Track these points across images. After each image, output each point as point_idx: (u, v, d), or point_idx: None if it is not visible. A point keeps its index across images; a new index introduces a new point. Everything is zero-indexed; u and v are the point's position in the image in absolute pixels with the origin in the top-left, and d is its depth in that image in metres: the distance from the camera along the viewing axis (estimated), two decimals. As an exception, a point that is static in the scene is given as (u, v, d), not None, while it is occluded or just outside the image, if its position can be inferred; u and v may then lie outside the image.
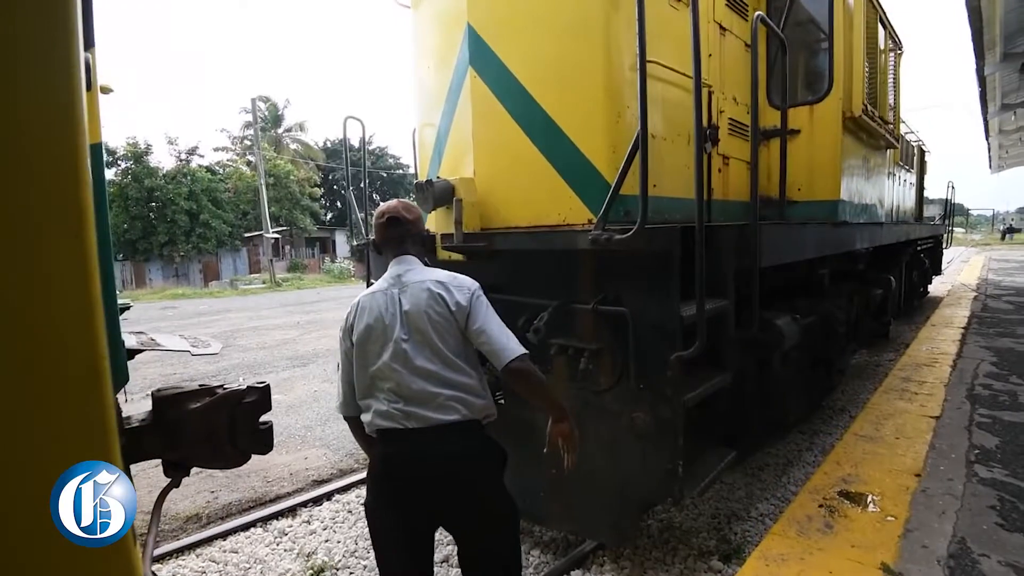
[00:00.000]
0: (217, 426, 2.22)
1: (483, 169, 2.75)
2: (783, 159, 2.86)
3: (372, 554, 2.77)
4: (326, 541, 2.89)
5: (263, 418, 2.34)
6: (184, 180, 25.36)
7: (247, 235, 27.70)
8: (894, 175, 5.50)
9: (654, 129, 2.52)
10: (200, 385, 2.30)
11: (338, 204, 36.37)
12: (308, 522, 3.12)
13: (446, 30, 2.86)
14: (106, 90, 2.02)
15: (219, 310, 14.96)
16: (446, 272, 1.68)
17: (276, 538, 2.95)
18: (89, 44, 1.60)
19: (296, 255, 30.81)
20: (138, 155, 24.19)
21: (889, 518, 2.19)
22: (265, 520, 3.14)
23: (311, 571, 2.60)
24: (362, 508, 3.30)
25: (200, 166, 27.43)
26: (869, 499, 2.34)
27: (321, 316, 12.30)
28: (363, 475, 3.74)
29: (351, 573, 2.59)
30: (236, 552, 2.82)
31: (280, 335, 9.81)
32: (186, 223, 25.26)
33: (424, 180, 2.64)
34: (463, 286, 1.62)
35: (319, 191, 32.21)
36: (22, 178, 0.57)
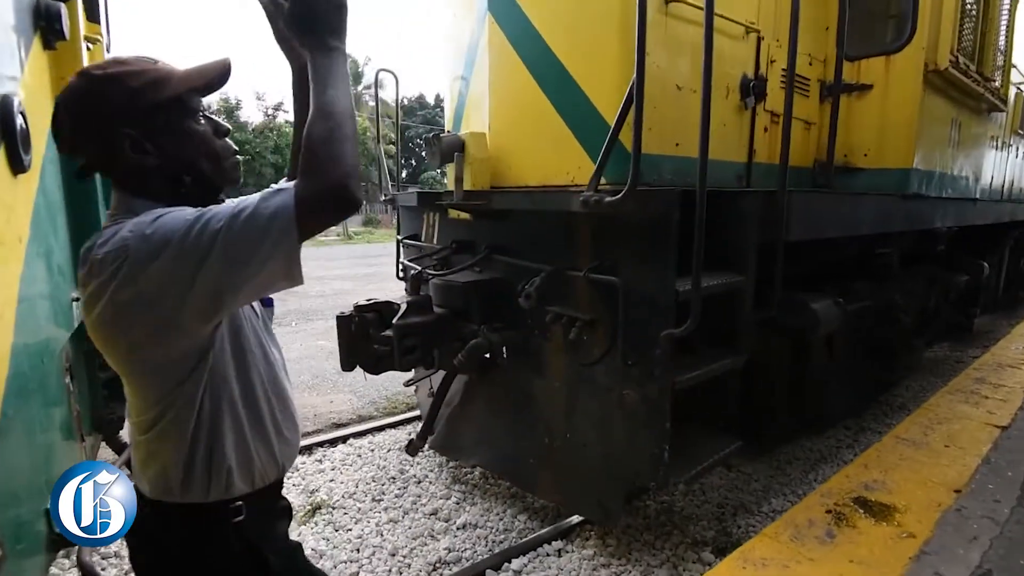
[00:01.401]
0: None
1: (498, 124, 2.60)
2: (833, 117, 2.47)
3: (369, 497, 2.89)
4: (331, 481, 3.04)
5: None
6: (271, 135, 26.83)
7: (326, 189, 29.07)
8: (1007, 144, 4.67)
9: (682, 79, 2.26)
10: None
11: (412, 162, 37.11)
12: (320, 461, 3.29)
13: (470, -25, 2.69)
14: (91, 40, 2.08)
15: (293, 258, 15.94)
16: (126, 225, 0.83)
17: (288, 473, 3.14)
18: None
19: (371, 210, 31.94)
20: (230, 110, 25.82)
21: (906, 535, 1.93)
22: (283, 455, 3.35)
23: (309, 507, 2.75)
24: (371, 452, 3.45)
25: (286, 121, 28.83)
26: (889, 511, 2.07)
27: (381, 270, 12.73)
28: (381, 422, 3.86)
29: (344, 513, 2.71)
30: (250, 481, 3.04)
31: (339, 285, 10.30)
32: (272, 176, 26.87)
33: (433, 135, 2.55)
34: (109, 253, 0.80)
35: (393, 148, 32.96)
36: None
